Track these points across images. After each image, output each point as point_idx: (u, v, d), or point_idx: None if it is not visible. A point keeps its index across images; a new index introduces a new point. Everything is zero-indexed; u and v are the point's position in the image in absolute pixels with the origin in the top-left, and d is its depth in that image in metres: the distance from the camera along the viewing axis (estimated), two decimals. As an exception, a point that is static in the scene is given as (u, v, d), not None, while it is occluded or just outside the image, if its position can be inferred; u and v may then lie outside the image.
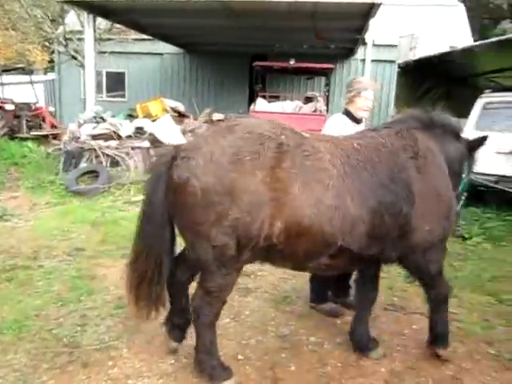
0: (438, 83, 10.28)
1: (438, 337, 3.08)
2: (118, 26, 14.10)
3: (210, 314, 2.62)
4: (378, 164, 2.68)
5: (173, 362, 2.93)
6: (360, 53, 13.87)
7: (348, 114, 3.63)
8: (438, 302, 3.04)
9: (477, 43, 7.91)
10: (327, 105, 11.14)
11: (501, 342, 3.37)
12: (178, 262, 2.84)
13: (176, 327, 2.98)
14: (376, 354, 3.11)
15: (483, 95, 7.63)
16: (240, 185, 2.33)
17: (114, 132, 9.00)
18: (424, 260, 2.85)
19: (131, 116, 11.34)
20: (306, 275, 3.79)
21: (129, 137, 9.13)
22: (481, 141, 3.22)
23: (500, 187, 6.58)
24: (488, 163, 6.82)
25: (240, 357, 3.03)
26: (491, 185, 6.66)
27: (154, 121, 9.99)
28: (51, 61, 19.26)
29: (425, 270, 2.92)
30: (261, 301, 3.91)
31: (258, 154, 2.39)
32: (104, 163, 8.36)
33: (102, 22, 13.48)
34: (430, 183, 2.78)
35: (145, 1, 9.78)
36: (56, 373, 2.78)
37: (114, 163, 8.45)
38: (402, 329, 3.54)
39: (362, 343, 3.14)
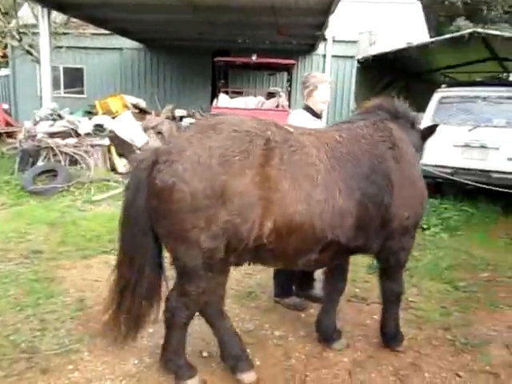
0: (396, 78, 10.57)
1: (389, 336, 3.18)
2: (75, 19, 13.66)
3: (184, 317, 2.56)
4: (360, 156, 2.70)
5: (136, 362, 2.89)
6: (321, 48, 14.04)
7: (308, 109, 3.67)
8: (391, 300, 3.12)
9: (431, 40, 8.18)
10: (289, 100, 11.22)
11: (457, 327, 3.52)
12: None
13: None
14: (339, 344, 3.17)
15: (439, 90, 7.89)
16: (231, 186, 2.24)
17: (72, 129, 8.72)
18: (398, 247, 2.91)
19: (90, 113, 11.06)
20: (271, 270, 3.81)
21: (88, 134, 8.85)
22: (432, 130, 3.32)
23: (456, 179, 6.84)
24: (444, 156, 7.08)
25: (205, 354, 3.02)
26: (448, 177, 6.91)
27: (114, 118, 9.77)
28: (4, 56, 18.46)
29: (396, 258, 2.97)
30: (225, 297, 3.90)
31: (247, 153, 2.30)
32: (62, 162, 8.08)
33: (58, 16, 13.01)
34: (405, 172, 2.85)
35: (102, -6, 9.52)
36: (13, 380, 2.67)
37: (73, 162, 8.19)
38: (364, 319, 3.63)
39: (327, 334, 3.19)
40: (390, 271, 3.07)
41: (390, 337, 3.18)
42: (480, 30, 7.46)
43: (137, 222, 2.44)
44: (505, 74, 12.26)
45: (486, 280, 4.54)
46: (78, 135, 8.73)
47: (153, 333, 3.17)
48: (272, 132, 2.45)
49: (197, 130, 2.43)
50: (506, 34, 7.46)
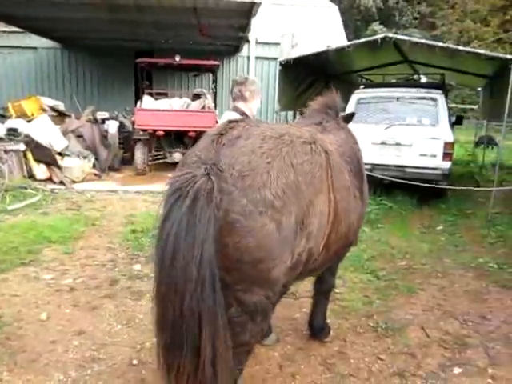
0: (317, 79, 10.95)
1: (317, 329, 3.31)
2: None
3: (239, 373, 2.16)
4: (353, 157, 2.77)
5: (61, 378, 2.76)
6: (245, 50, 14.20)
7: (238, 110, 3.42)
8: (324, 293, 3.27)
9: (348, 44, 8.56)
10: (215, 101, 11.22)
11: (378, 313, 3.75)
12: None
13: None
14: (270, 340, 3.25)
15: (357, 91, 8.31)
16: (313, 206, 2.00)
17: (-17, 135, 8.10)
18: (354, 240, 2.97)
19: (3, 116, 10.30)
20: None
21: (1, 139, 8.27)
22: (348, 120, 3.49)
23: (374, 174, 7.24)
24: (364, 153, 7.46)
25: (135, 362, 2.96)
26: (367, 173, 7.29)
27: (29, 121, 9.19)
28: None
29: (346, 252, 3.05)
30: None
31: (321, 167, 2.10)
32: (-28, 170, 7.49)
33: (-40, 12, 11.98)
34: (363, 168, 2.98)
35: (10, -10, 8.92)
36: None
37: (-16, 169, 7.62)
38: (293, 313, 3.75)
39: None
40: (335, 265, 3.15)
41: (318, 329, 3.31)
42: (391, 34, 7.95)
43: (208, 283, 1.72)
44: (416, 76, 13.16)
45: (404, 268, 4.88)
46: (-12, 141, 8.12)
47: (78, 345, 3.05)
48: (321, 140, 2.29)
49: (258, 144, 1.93)
50: (413, 39, 8.05)
